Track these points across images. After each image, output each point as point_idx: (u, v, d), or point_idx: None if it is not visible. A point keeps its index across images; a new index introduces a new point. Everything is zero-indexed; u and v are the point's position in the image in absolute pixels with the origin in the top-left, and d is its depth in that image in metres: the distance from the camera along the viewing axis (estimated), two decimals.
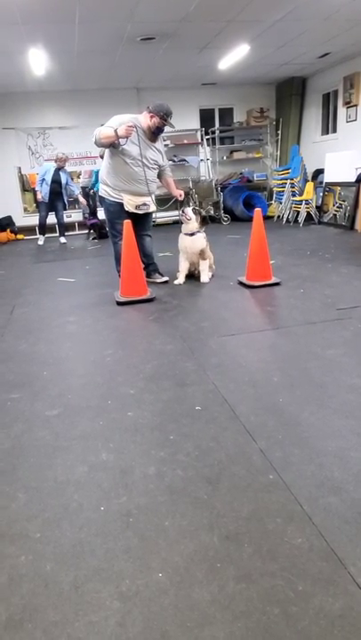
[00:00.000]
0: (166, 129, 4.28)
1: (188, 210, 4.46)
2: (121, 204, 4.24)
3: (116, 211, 4.30)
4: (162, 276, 4.71)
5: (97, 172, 8.37)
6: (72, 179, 8.37)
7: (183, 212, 4.46)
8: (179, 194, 4.59)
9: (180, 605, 1.24)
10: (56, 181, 7.78)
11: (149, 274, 4.70)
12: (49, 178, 7.73)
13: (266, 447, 1.88)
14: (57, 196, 7.91)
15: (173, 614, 1.22)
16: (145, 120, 4.08)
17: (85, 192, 8.53)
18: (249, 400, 2.27)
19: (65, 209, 8.27)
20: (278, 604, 1.22)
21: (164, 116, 4.01)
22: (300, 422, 2.04)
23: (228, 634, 1.16)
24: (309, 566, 1.33)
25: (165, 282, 4.65)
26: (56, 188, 7.82)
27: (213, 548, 1.41)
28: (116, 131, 3.88)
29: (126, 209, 4.24)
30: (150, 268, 4.74)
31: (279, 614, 1.19)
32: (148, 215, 4.52)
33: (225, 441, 1.95)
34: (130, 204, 4.23)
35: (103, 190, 4.35)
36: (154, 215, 4.97)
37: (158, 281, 4.65)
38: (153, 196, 4.41)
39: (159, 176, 4.48)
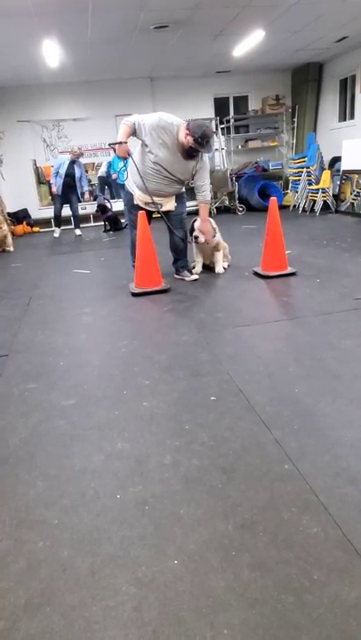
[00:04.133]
0: None
1: (200, 236, 4.31)
2: (133, 196, 4.20)
3: (130, 200, 4.27)
4: (191, 273, 4.49)
5: (109, 163, 8.39)
6: (87, 171, 8.35)
7: (196, 239, 4.35)
8: (201, 232, 4.26)
9: (196, 592, 1.25)
10: (70, 175, 7.75)
11: (178, 270, 4.54)
12: (63, 171, 7.72)
13: (281, 437, 1.88)
14: (71, 189, 7.90)
15: (189, 600, 1.23)
16: (182, 133, 3.74)
17: (107, 182, 8.54)
18: (264, 390, 2.26)
19: (79, 201, 8.26)
20: (293, 592, 1.23)
21: (198, 139, 3.65)
22: (315, 413, 2.03)
23: (242, 620, 1.16)
24: (325, 555, 1.32)
25: (195, 280, 4.41)
26: (70, 182, 7.80)
27: (228, 536, 1.42)
28: (122, 142, 3.75)
29: (135, 202, 4.19)
30: (179, 264, 4.53)
31: (294, 602, 1.20)
32: (170, 211, 4.24)
33: (240, 431, 1.95)
34: (139, 198, 4.16)
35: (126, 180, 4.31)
36: None
37: (187, 279, 4.42)
38: (171, 199, 4.17)
39: (195, 197, 4.22)
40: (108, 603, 1.25)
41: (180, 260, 4.53)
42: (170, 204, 4.19)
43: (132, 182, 4.17)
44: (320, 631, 1.12)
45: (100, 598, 1.26)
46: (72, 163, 7.74)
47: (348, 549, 1.34)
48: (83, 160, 8.16)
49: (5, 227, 7.39)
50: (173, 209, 4.22)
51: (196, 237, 4.34)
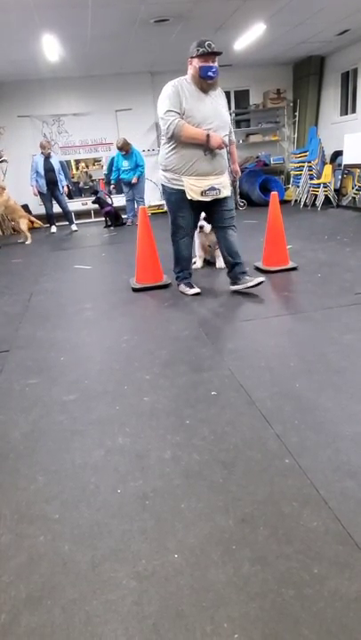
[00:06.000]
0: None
1: (205, 225, 4.13)
2: (182, 193, 3.45)
3: (177, 200, 3.50)
4: (252, 278, 3.66)
5: (111, 161, 8.33)
6: (87, 167, 8.27)
7: (201, 227, 4.17)
8: (235, 170, 3.77)
9: (196, 586, 1.25)
10: (50, 170, 7.61)
11: (237, 278, 3.68)
12: (41, 169, 7.59)
13: (282, 432, 1.88)
14: (55, 185, 7.74)
15: (189, 594, 1.23)
16: (190, 73, 3.40)
17: (108, 180, 8.49)
18: (265, 385, 2.26)
19: (71, 197, 8.07)
20: (293, 586, 1.23)
21: (198, 50, 3.28)
22: (316, 407, 2.03)
23: (243, 614, 1.17)
24: (325, 549, 1.32)
25: (259, 284, 3.62)
26: (52, 177, 7.64)
27: (229, 530, 1.42)
28: (208, 136, 3.28)
29: (189, 197, 3.44)
30: (237, 269, 3.68)
31: (294, 596, 1.20)
32: (221, 202, 3.54)
33: (241, 426, 1.95)
34: (193, 190, 3.42)
35: (162, 177, 3.59)
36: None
37: (250, 284, 3.63)
38: (226, 177, 3.54)
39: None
40: (109, 596, 1.25)
41: (239, 264, 3.68)
42: (227, 189, 3.54)
43: (176, 175, 3.46)
44: (320, 625, 1.12)
45: (100, 592, 1.26)
46: (47, 158, 7.60)
47: (348, 543, 1.34)
48: (82, 156, 8.08)
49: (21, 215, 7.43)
50: (230, 194, 3.58)
51: (202, 227, 4.14)
